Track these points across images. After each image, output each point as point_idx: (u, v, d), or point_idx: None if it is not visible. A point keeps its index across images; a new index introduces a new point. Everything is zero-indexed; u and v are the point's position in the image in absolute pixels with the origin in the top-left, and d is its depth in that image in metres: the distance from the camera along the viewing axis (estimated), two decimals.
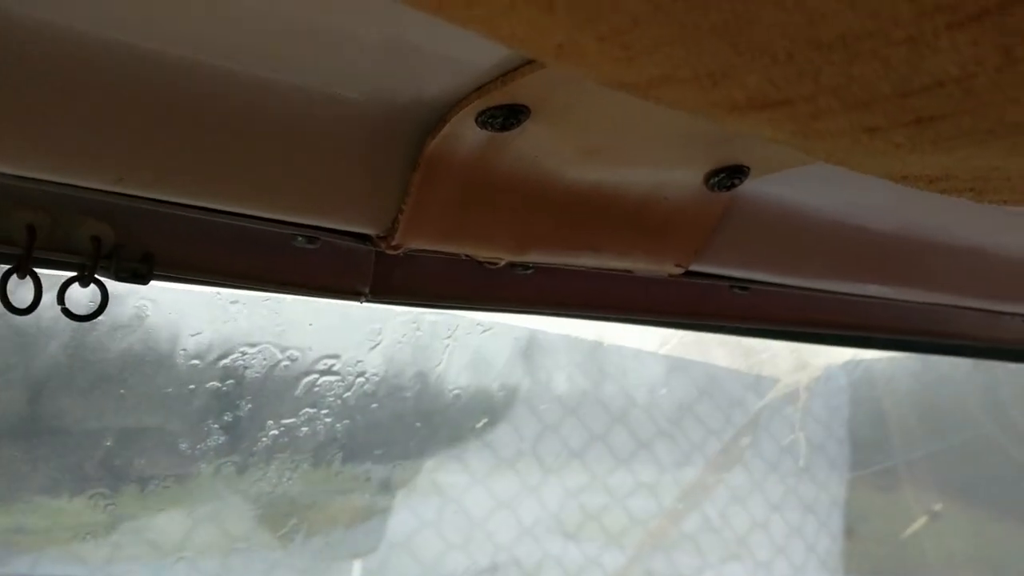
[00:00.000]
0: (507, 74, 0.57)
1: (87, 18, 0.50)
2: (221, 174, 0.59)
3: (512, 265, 0.82)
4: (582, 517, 2.18)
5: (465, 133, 0.63)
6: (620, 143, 0.70)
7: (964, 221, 1.06)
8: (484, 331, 1.73)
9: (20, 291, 0.63)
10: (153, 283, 0.67)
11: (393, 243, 0.67)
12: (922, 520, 2.57)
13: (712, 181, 0.79)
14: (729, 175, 0.78)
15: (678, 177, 0.79)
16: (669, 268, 0.89)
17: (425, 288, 0.80)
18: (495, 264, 0.77)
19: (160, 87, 0.54)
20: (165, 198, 0.58)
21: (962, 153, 0.39)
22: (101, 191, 0.55)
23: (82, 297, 0.65)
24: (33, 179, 0.53)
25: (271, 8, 0.51)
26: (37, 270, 0.60)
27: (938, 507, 2.48)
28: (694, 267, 0.92)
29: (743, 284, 1.00)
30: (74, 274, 0.62)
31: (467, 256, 0.76)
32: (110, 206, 0.60)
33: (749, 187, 0.84)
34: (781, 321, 1.10)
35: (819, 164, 0.78)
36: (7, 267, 0.61)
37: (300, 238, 0.68)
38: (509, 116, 0.62)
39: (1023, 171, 0.43)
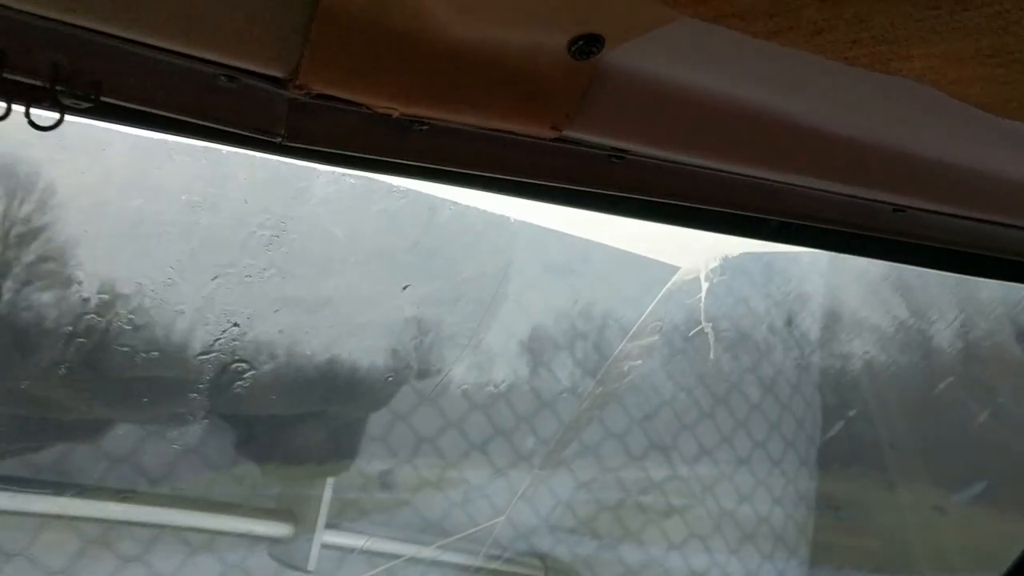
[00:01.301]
0: None
1: None
2: (154, 9, 0.74)
3: (410, 121, 0.98)
4: (512, 414, 2.36)
5: None
6: (490, 2, 0.86)
7: (835, 106, 1.17)
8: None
9: None
10: None
11: (298, 83, 0.83)
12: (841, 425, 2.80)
13: (574, 48, 0.95)
14: (587, 43, 0.94)
15: (546, 43, 0.94)
16: (546, 131, 1.05)
17: (335, 138, 0.95)
18: (391, 115, 0.93)
19: None
20: (109, 30, 0.73)
21: None
22: (56, 20, 0.70)
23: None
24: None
25: None
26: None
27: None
28: (570, 132, 1.08)
29: (619, 153, 1.16)
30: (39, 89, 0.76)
31: (367, 108, 0.92)
32: (64, 38, 0.75)
33: (616, 58, 1.00)
34: (659, 193, 1.26)
35: (680, 36, 0.93)
36: None
37: (222, 77, 0.83)
38: None
39: None
